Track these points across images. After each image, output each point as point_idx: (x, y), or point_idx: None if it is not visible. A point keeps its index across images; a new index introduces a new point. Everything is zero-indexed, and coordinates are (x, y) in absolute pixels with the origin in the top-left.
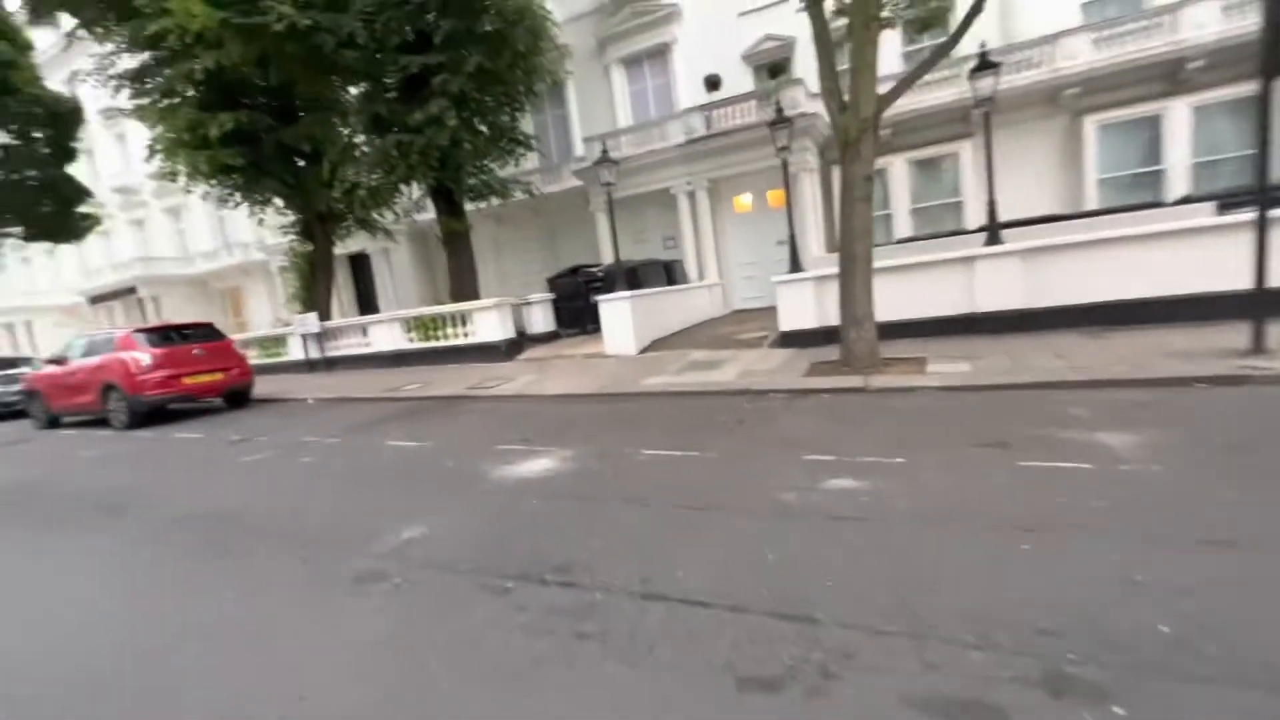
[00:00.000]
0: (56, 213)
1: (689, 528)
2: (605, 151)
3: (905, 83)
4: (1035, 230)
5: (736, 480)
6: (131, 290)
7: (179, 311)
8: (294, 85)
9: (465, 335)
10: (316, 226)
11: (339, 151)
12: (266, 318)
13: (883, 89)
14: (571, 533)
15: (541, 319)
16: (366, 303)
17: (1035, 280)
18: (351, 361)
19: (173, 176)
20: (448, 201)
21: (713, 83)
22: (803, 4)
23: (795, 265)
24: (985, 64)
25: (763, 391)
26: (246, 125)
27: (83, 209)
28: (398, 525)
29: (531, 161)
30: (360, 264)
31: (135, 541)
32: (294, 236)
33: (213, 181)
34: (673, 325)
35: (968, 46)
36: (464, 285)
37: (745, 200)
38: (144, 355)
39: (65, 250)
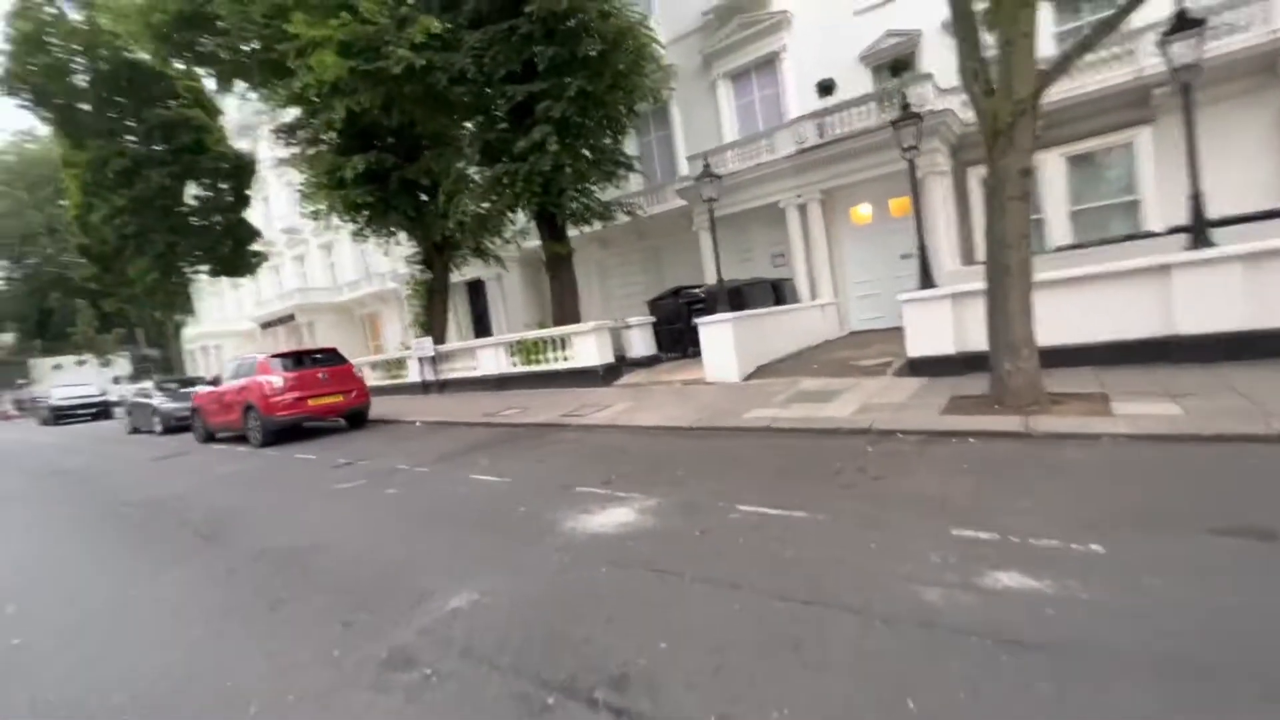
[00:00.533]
0: (234, 251)
1: (790, 636)
2: (707, 165)
3: (1075, 52)
4: (1254, 230)
5: (857, 560)
6: (291, 317)
7: (328, 335)
8: (415, 125)
9: (565, 359)
10: (435, 255)
11: (452, 182)
12: (398, 341)
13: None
14: (639, 623)
15: (641, 343)
16: (483, 327)
17: (1262, 293)
18: (461, 385)
19: (315, 216)
20: (551, 226)
21: (826, 88)
22: None
23: (926, 280)
24: (1185, 22)
25: (888, 432)
26: (375, 165)
27: (255, 247)
28: (451, 586)
29: (635, 183)
30: (477, 290)
31: (206, 579)
32: (417, 265)
33: (346, 217)
34: (781, 349)
35: (1142, 17)
36: (566, 309)
37: (863, 211)
38: (277, 378)
39: (247, 283)
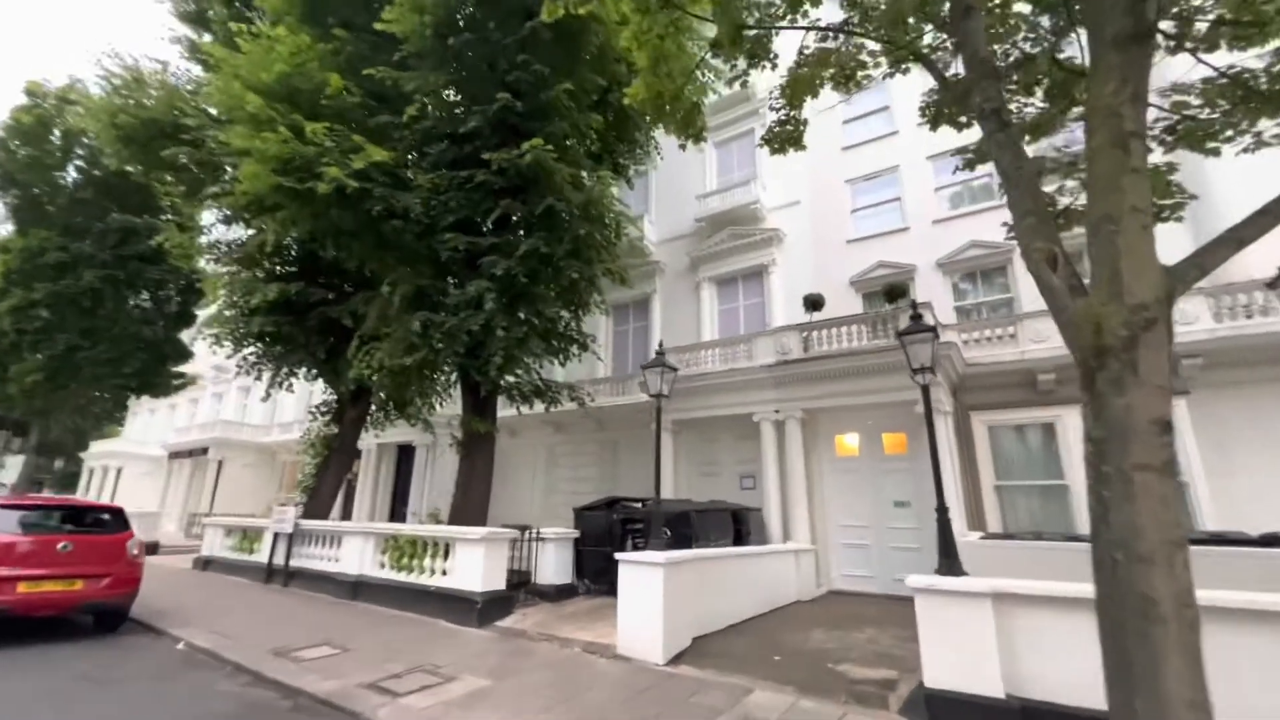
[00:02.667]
0: (150, 368)
1: None
2: (661, 352)
3: (1229, 241)
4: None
5: None
6: (204, 451)
7: (238, 477)
8: (354, 263)
9: (442, 573)
10: (348, 408)
11: (372, 326)
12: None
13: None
14: None
15: (555, 564)
16: (401, 501)
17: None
18: (313, 580)
19: (215, 341)
20: (475, 396)
21: (814, 302)
22: (987, 125)
23: (949, 560)
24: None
25: None
26: (296, 296)
27: (182, 369)
28: None
29: (600, 369)
30: (406, 456)
31: None
32: (323, 417)
33: (246, 345)
34: (733, 609)
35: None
36: (470, 502)
37: (850, 442)
38: None
39: (182, 406)
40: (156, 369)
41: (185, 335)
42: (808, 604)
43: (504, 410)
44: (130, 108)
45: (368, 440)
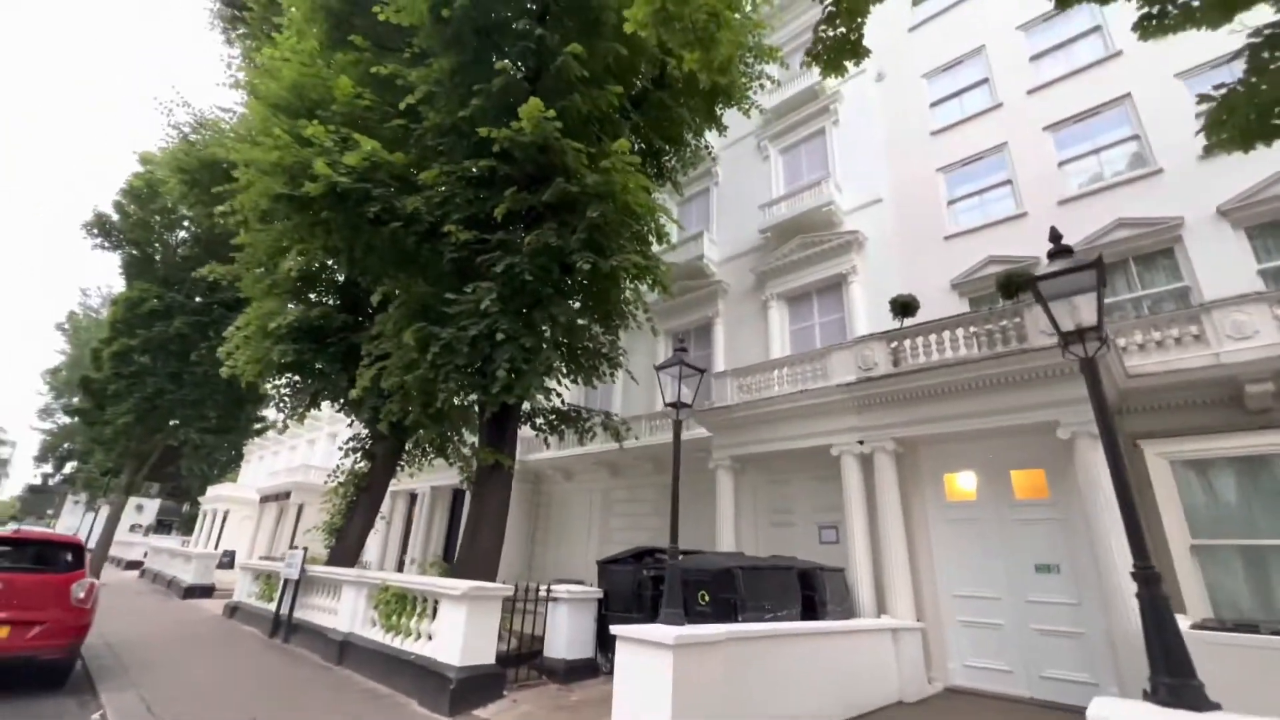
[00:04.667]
0: (228, 411)
1: None
2: (682, 348)
3: None
4: None
5: None
6: (288, 495)
7: (315, 520)
8: (352, 272)
9: (427, 636)
10: (379, 444)
11: (378, 345)
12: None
13: None
14: None
15: (570, 632)
16: (451, 548)
17: None
18: (310, 635)
19: (231, 372)
20: (492, 423)
21: (905, 306)
22: None
23: (1177, 670)
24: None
25: None
26: (318, 321)
27: (264, 412)
28: None
29: (660, 400)
30: (460, 501)
31: None
32: (354, 454)
33: (267, 379)
34: (801, 710)
35: None
36: (478, 548)
37: (964, 483)
38: None
39: (283, 452)
40: (234, 412)
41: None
42: (914, 708)
43: (555, 450)
44: (193, 150)
45: (421, 484)
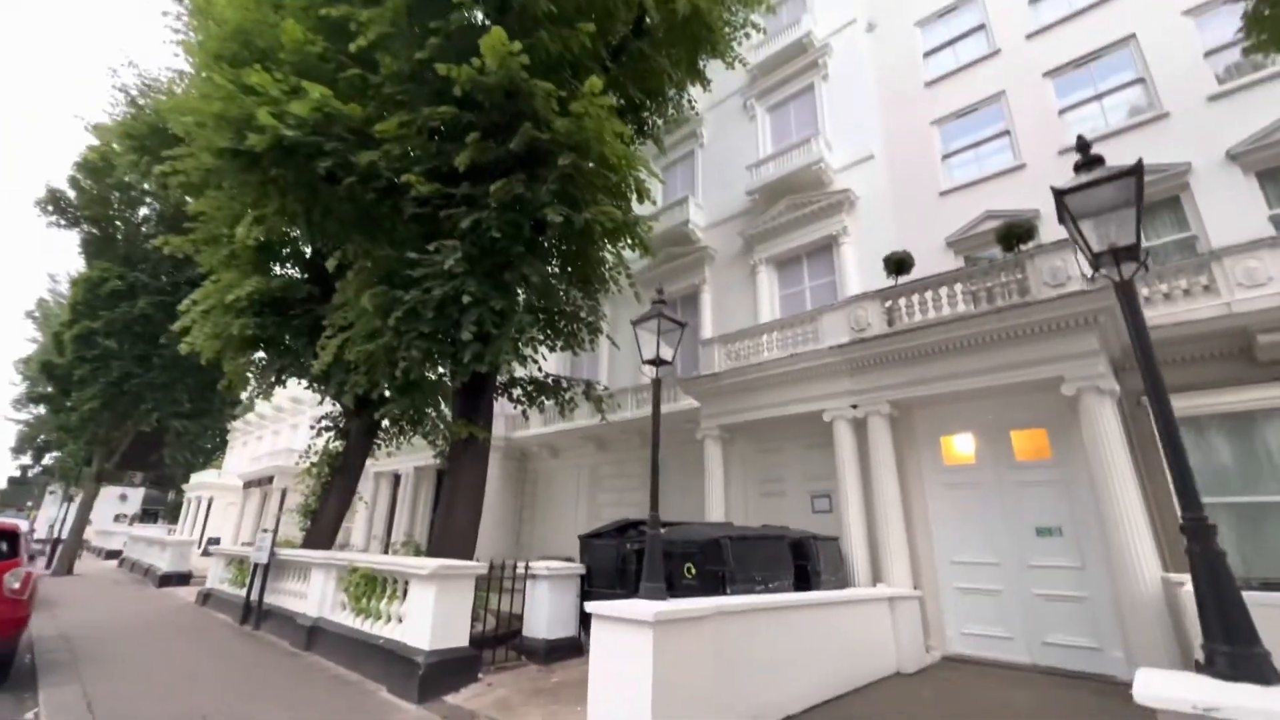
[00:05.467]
0: (199, 394)
1: None
2: (661, 300)
3: None
4: None
5: None
6: (270, 479)
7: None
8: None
9: (397, 619)
10: (352, 421)
11: (341, 314)
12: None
13: None
14: None
15: (551, 610)
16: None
17: None
18: (280, 621)
19: (192, 347)
20: (465, 394)
21: (899, 263)
22: None
23: (1237, 635)
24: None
25: None
26: (280, 292)
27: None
28: None
29: (646, 374)
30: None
31: None
32: (327, 433)
33: (228, 358)
34: (794, 693)
35: None
36: (452, 526)
37: (962, 446)
38: None
39: (258, 439)
40: (207, 394)
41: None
42: (913, 679)
43: (541, 426)
44: (141, 114)
45: (404, 463)
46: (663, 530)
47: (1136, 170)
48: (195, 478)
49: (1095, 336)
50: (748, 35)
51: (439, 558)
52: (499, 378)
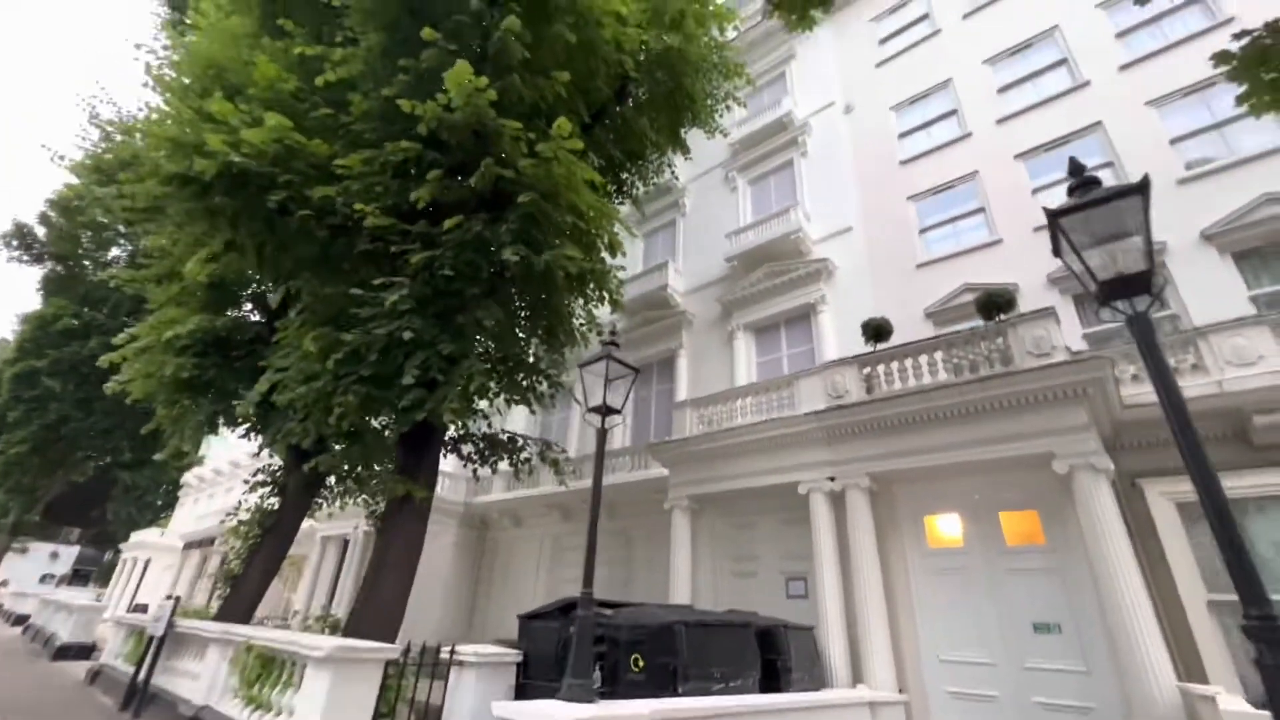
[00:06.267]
0: (140, 442)
1: None
2: (611, 342)
3: None
4: None
5: None
6: (213, 540)
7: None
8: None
9: (287, 712)
10: (291, 474)
11: (282, 355)
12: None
13: None
14: None
15: (477, 703)
16: None
17: None
18: (164, 708)
19: (120, 385)
20: (408, 447)
21: (878, 330)
22: None
23: None
24: None
25: None
26: (225, 332)
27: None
28: None
29: (618, 437)
30: None
31: None
32: (262, 488)
33: (159, 401)
34: None
35: None
36: (377, 598)
37: (947, 527)
38: None
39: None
40: (147, 443)
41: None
42: None
43: (504, 491)
44: (114, 149)
45: (352, 527)
46: (608, 612)
47: (1143, 187)
48: (135, 536)
49: (1084, 410)
50: (729, 107)
51: (357, 637)
52: (450, 432)
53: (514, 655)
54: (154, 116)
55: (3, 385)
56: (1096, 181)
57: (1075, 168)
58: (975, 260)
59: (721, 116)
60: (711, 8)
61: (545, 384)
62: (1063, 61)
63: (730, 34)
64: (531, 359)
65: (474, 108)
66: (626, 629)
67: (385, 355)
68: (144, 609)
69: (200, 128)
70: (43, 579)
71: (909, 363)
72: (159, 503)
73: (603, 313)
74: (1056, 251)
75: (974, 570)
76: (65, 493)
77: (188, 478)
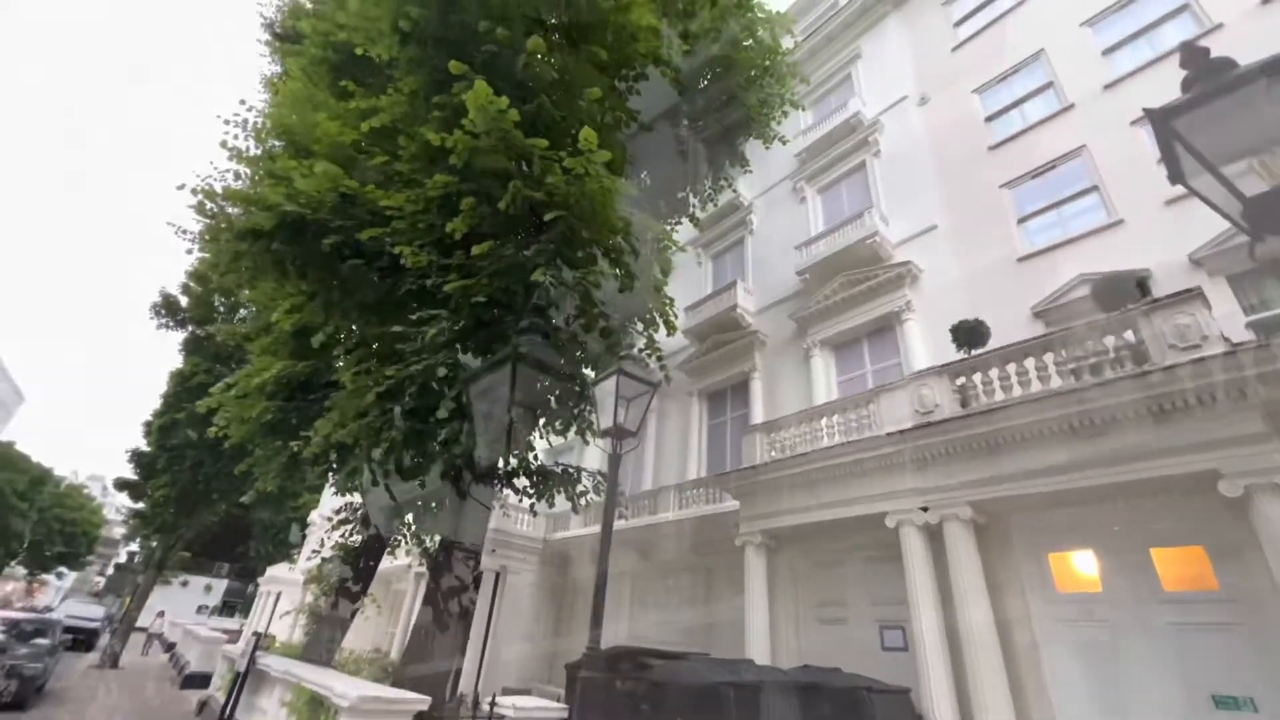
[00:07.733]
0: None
1: None
2: (625, 356)
3: None
4: None
5: None
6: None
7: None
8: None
9: None
10: (368, 520)
11: (340, 395)
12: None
13: None
14: None
15: None
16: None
17: None
18: None
19: (219, 430)
20: (459, 481)
21: (970, 331)
22: None
23: None
24: None
25: None
26: (303, 375)
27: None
28: None
29: (694, 466)
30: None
31: None
32: (344, 526)
33: (254, 444)
34: None
35: None
36: (430, 641)
37: (1082, 566)
38: None
39: None
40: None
41: None
42: None
43: (581, 527)
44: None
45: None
46: (653, 664)
47: None
48: (270, 570)
49: (1259, 415)
50: (785, 114)
51: (402, 685)
52: (502, 464)
53: (558, 710)
54: (235, 183)
55: (152, 436)
56: (1231, 64)
57: (1190, 54)
58: (1091, 247)
59: (779, 124)
60: (762, 14)
61: (592, 409)
62: (1184, 7)
63: (786, 41)
64: (578, 387)
65: (499, 130)
66: (667, 687)
67: (424, 389)
68: (271, 638)
69: (265, 184)
70: (198, 610)
71: (1011, 368)
72: (291, 540)
73: (671, 341)
74: (1175, 176)
75: (1121, 624)
76: (217, 531)
77: (313, 516)
